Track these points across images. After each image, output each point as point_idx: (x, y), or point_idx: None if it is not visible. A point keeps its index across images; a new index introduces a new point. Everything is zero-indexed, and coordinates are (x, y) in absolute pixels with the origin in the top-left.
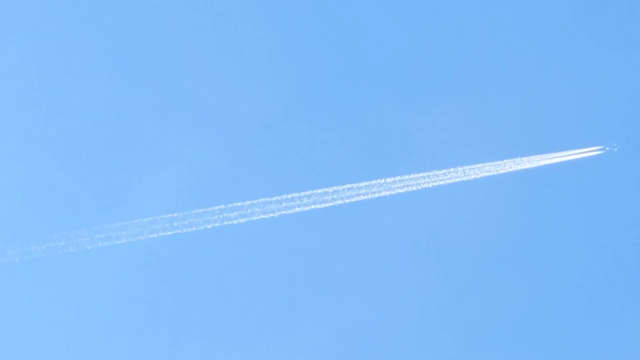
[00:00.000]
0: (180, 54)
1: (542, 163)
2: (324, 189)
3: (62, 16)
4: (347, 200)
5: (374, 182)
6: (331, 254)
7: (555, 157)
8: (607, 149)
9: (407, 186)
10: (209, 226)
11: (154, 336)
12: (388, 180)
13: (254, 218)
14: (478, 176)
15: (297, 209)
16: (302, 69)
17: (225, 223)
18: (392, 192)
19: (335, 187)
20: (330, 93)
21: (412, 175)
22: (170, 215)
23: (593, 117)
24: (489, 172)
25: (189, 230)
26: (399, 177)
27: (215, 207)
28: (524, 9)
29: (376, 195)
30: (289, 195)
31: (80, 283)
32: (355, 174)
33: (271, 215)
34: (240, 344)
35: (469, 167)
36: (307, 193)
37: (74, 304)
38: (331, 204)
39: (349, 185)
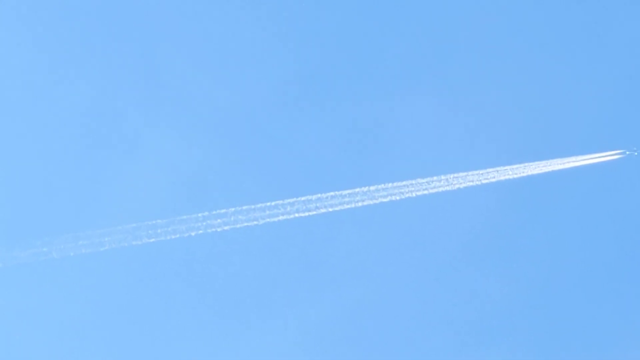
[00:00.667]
0: (164, 49)
1: (556, 168)
2: (308, 197)
3: (34, 10)
4: (330, 209)
5: (357, 190)
6: (316, 262)
7: (571, 162)
8: (627, 153)
9: (392, 195)
10: (192, 233)
11: (138, 343)
12: (372, 188)
13: (238, 225)
14: (481, 182)
15: (280, 217)
16: (287, 66)
17: (209, 230)
18: (376, 201)
19: (319, 195)
20: (318, 92)
21: (401, 183)
22: (154, 221)
23: (612, 120)
24: (495, 177)
25: (173, 237)
26: (382, 185)
27: (199, 214)
28: None
29: (359, 204)
30: (273, 203)
31: (63, 289)
32: (340, 179)
33: (255, 223)
34: (224, 348)
35: (473, 172)
36: (291, 200)
37: (57, 311)
38: (314, 212)
39: (332, 193)
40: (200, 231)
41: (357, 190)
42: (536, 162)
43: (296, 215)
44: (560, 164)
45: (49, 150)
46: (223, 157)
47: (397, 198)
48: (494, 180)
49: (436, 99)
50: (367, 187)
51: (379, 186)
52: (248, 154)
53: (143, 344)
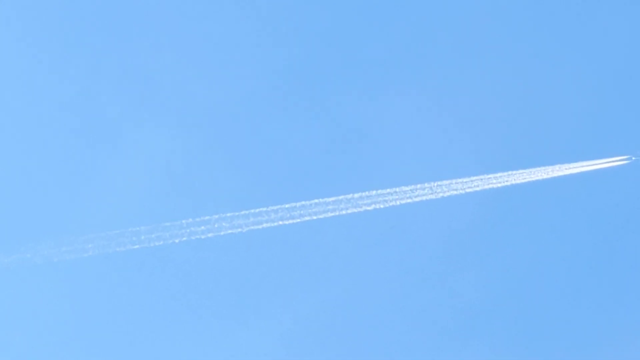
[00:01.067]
0: (150, 45)
1: (560, 174)
2: (292, 204)
3: (11, 5)
4: (314, 217)
5: (341, 197)
6: (299, 268)
7: (575, 167)
8: (634, 158)
9: (376, 203)
10: (176, 240)
11: (121, 349)
12: (356, 195)
13: (222, 233)
14: (481, 188)
15: (264, 225)
16: (272, 67)
17: (192, 237)
18: (360, 209)
19: (303, 202)
20: (304, 93)
21: (386, 190)
22: (138, 228)
23: (618, 125)
24: (494, 184)
25: (157, 244)
26: (366, 193)
27: (183, 221)
28: None
29: (343, 212)
30: (257, 210)
31: (45, 295)
32: (325, 185)
33: (239, 230)
34: (205, 351)
35: (476, 177)
36: (275, 208)
37: (39, 316)
38: (298, 220)
39: (316, 200)
40: (184, 238)
41: (341, 197)
42: (538, 168)
43: (280, 222)
44: (565, 169)
45: (28, 150)
46: (207, 160)
47: (381, 206)
48: (498, 185)
49: (425, 101)
50: (351, 195)
51: (363, 194)
52: (233, 158)
53: (125, 350)
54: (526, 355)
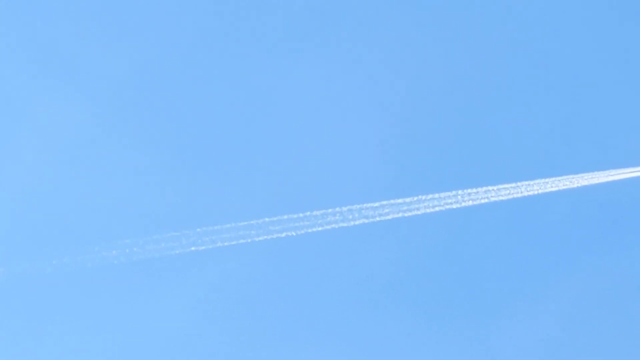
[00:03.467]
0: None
1: (575, 185)
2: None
3: None
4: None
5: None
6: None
7: (594, 178)
8: None
9: (336, 223)
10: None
11: None
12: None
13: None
14: (487, 201)
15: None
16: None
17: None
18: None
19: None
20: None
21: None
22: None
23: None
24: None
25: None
26: (330, 210)
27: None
28: None
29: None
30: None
31: None
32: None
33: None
34: None
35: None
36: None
37: None
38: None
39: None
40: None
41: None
42: (548, 179)
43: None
44: (584, 180)
45: None
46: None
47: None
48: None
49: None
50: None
51: (328, 210)
52: (138, 129)
53: None
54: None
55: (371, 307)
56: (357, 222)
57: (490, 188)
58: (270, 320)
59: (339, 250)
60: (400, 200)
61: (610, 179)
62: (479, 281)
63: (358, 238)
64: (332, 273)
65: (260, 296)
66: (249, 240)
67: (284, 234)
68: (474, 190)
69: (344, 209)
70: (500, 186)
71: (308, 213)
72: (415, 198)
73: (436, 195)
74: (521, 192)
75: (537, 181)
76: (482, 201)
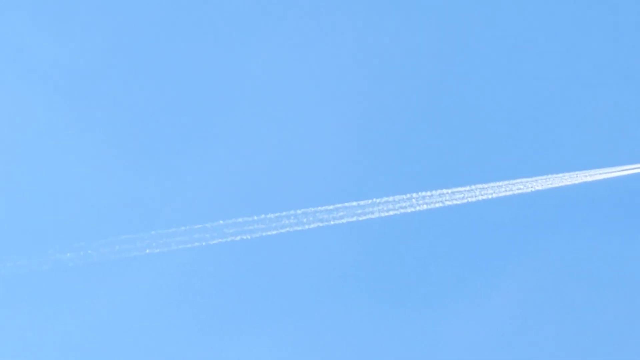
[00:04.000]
0: None
1: (570, 182)
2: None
3: None
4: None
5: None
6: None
7: (589, 175)
8: None
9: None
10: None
11: None
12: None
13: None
14: (480, 198)
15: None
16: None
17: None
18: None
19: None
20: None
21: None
22: None
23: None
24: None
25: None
26: (293, 211)
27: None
28: None
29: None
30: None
31: None
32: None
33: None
34: None
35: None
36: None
37: None
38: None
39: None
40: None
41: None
42: (548, 176)
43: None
44: (583, 177)
45: None
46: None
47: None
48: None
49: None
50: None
51: (293, 211)
52: (77, 114)
53: None
54: None
55: (329, 298)
56: (311, 226)
57: (444, 191)
58: (225, 317)
59: (293, 253)
60: (354, 204)
61: (565, 183)
62: (431, 275)
63: (313, 241)
64: (288, 274)
65: (213, 296)
66: (204, 244)
67: (238, 237)
68: (429, 193)
69: (299, 211)
70: (455, 189)
71: (263, 216)
72: (370, 201)
73: (390, 199)
74: (475, 196)
75: (491, 184)
76: (437, 205)
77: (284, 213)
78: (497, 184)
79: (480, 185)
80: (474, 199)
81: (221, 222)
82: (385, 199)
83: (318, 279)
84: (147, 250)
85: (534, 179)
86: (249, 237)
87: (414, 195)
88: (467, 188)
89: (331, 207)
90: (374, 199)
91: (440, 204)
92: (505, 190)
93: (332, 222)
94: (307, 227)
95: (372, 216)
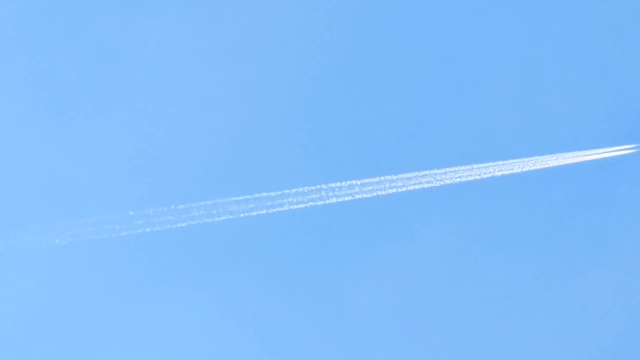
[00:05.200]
0: None
1: (561, 163)
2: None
3: None
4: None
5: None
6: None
7: (578, 156)
8: None
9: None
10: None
11: None
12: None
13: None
14: (473, 178)
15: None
16: None
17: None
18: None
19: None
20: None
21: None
22: None
23: (625, 113)
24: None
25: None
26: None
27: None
28: None
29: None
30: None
31: None
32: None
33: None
34: None
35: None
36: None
37: None
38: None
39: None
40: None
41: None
42: (538, 157)
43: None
44: (568, 158)
45: None
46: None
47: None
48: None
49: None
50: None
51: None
52: None
53: None
54: None
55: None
56: (220, 218)
57: (354, 182)
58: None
59: (204, 246)
60: (264, 194)
61: (476, 177)
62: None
63: (223, 233)
64: (198, 265)
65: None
66: (114, 235)
67: (148, 229)
68: (337, 184)
69: (209, 202)
70: (365, 180)
71: (172, 207)
72: (280, 192)
73: (300, 190)
74: (385, 190)
75: (400, 176)
76: (346, 198)
77: (194, 204)
78: (405, 175)
79: (389, 177)
80: (383, 193)
81: (131, 212)
82: (295, 189)
83: (232, 269)
84: (56, 241)
85: (444, 169)
86: (159, 229)
87: (324, 186)
88: (376, 179)
89: (240, 198)
90: (284, 190)
91: (350, 197)
92: (414, 184)
93: (241, 215)
94: (216, 219)
95: (282, 208)
